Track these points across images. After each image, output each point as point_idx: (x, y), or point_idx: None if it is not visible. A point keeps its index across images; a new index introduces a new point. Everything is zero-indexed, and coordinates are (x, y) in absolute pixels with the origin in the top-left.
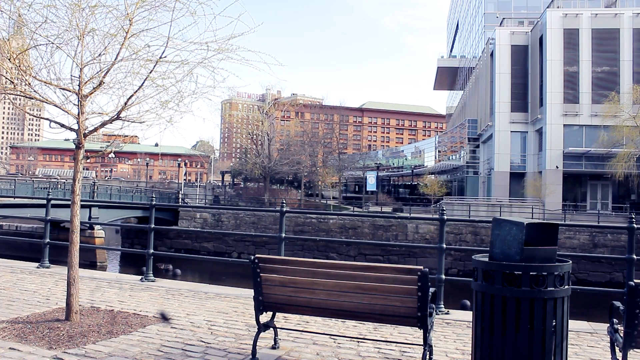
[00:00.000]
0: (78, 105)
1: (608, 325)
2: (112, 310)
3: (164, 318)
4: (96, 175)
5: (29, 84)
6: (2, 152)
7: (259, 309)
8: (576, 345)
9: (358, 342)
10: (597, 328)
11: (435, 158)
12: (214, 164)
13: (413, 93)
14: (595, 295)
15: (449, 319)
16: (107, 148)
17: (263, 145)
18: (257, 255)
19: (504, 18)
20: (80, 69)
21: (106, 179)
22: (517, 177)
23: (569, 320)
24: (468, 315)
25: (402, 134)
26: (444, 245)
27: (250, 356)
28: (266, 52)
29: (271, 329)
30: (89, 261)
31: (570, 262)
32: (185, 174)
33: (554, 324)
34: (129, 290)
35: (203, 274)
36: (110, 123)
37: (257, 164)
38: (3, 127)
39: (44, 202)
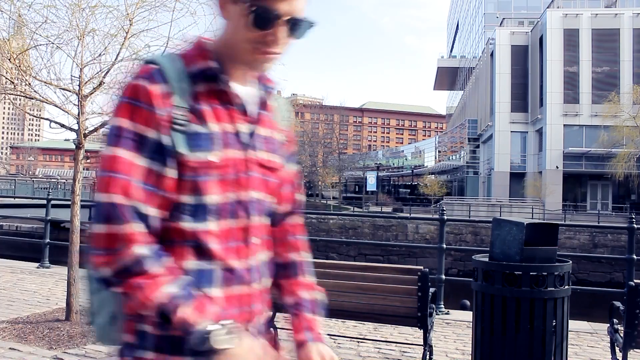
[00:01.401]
0: (78, 106)
1: (608, 325)
2: None
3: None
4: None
5: (29, 84)
6: (2, 152)
7: None
8: (576, 345)
9: (358, 342)
10: (597, 328)
11: (435, 158)
12: None
13: (413, 93)
14: (595, 295)
15: (449, 319)
16: None
17: None
18: None
19: (504, 18)
20: (81, 69)
21: None
22: (517, 177)
23: (569, 320)
24: (468, 315)
25: (402, 134)
26: (444, 246)
27: None
28: None
29: (271, 329)
30: None
31: (571, 262)
32: None
33: (554, 324)
34: None
35: None
36: None
37: None
38: (3, 127)
39: (44, 202)
